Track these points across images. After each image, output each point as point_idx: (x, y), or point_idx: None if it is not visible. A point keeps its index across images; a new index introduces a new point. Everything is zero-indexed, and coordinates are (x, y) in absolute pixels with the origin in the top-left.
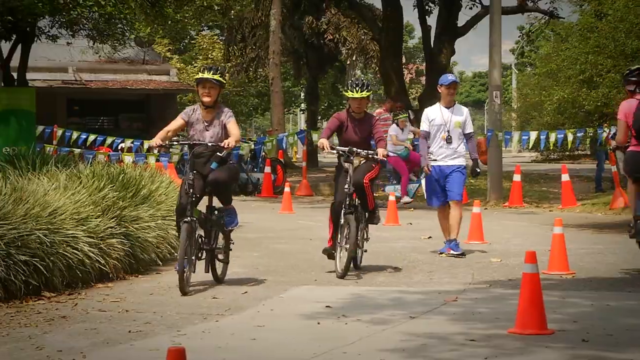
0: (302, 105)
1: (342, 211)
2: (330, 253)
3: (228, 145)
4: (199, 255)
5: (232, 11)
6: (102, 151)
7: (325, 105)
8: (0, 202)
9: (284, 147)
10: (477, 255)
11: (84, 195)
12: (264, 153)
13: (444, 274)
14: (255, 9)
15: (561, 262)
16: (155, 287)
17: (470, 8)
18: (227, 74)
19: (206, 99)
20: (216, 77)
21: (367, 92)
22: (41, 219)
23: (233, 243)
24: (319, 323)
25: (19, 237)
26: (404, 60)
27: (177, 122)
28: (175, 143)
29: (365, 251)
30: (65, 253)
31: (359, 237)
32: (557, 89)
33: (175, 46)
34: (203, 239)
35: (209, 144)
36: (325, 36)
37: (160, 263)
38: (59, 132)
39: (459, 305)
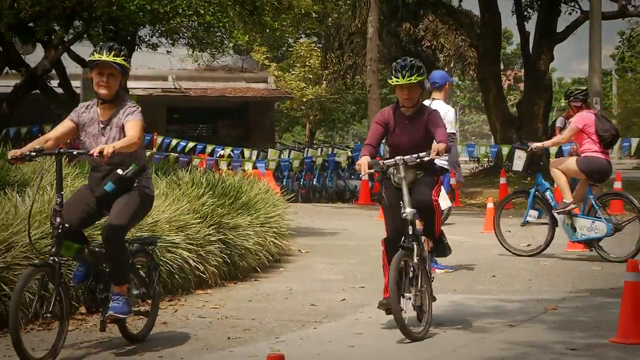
0: None
1: (403, 247)
2: (388, 307)
3: (100, 151)
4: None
5: (330, 19)
6: (198, 157)
7: None
8: None
9: (382, 154)
10: (578, 263)
11: (184, 203)
12: None
13: (544, 282)
14: (353, 16)
15: None
16: (254, 293)
17: (570, 13)
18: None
19: (103, 91)
20: (118, 60)
21: (418, 76)
22: (142, 226)
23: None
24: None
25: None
26: (502, 67)
27: (63, 126)
28: (33, 153)
29: (434, 300)
30: (166, 260)
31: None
32: None
33: (273, 54)
34: (95, 284)
35: (84, 152)
36: (423, 43)
37: (259, 270)
38: (159, 139)
39: (559, 314)
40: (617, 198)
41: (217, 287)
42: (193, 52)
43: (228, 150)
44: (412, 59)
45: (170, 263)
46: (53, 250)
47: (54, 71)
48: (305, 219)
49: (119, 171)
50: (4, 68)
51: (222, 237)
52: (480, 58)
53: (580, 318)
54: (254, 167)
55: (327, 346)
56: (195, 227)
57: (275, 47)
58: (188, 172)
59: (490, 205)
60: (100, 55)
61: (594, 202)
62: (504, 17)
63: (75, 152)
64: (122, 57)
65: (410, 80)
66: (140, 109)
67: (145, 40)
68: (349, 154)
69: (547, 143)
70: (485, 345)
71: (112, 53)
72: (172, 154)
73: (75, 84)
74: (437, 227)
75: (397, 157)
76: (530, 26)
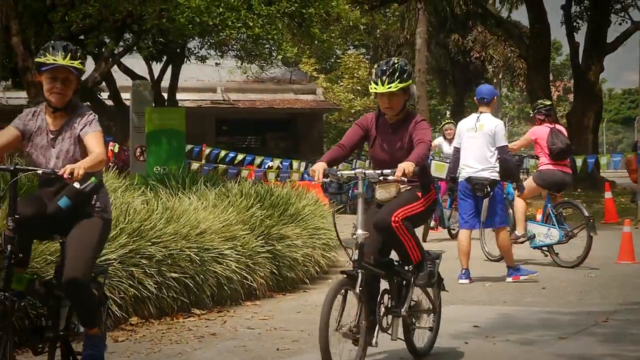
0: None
1: (344, 273)
2: (355, 339)
3: (70, 172)
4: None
5: (378, 30)
6: (246, 168)
7: None
8: (152, 221)
9: (429, 164)
10: (628, 275)
11: (232, 214)
12: None
13: (595, 294)
14: (401, 28)
15: None
16: (303, 305)
17: (620, 24)
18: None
19: (56, 99)
20: (76, 63)
21: (400, 82)
22: (191, 237)
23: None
24: (466, 343)
25: (169, 255)
26: (551, 78)
27: (7, 134)
28: None
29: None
30: (215, 271)
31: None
32: None
33: (321, 65)
34: (42, 320)
35: (50, 171)
36: (472, 54)
37: (307, 281)
38: (207, 150)
39: (610, 326)
40: (570, 207)
41: (266, 298)
42: (242, 64)
43: (277, 162)
44: (397, 60)
45: (219, 275)
46: (1, 284)
47: (104, 83)
48: None
49: (76, 185)
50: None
51: (270, 248)
52: (530, 69)
53: (632, 331)
54: (302, 179)
55: (375, 357)
56: (244, 238)
57: (324, 59)
58: (237, 184)
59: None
60: (54, 58)
61: (550, 211)
62: (553, 28)
63: (40, 171)
64: (79, 60)
65: (390, 88)
66: (97, 116)
67: (195, 52)
68: None
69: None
70: (535, 357)
71: (69, 55)
72: (220, 165)
73: (125, 96)
74: (412, 251)
75: (358, 170)
76: (580, 37)
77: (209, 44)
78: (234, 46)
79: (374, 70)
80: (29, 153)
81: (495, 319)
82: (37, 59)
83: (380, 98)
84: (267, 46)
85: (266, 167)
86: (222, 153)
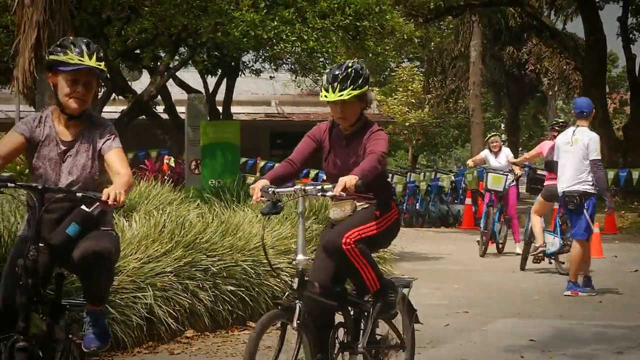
0: (503, 136)
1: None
2: None
3: (115, 198)
4: None
5: (432, 43)
6: (300, 182)
7: (526, 136)
8: (207, 234)
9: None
10: None
11: (287, 228)
12: (464, 184)
13: None
14: (455, 41)
15: None
16: None
17: None
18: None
19: (76, 105)
20: (102, 65)
21: (353, 90)
22: (246, 250)
23: None
24: (522, 357)
25: (225, 268)
26: (607, 90)
27: (12, 140)
28: None
29: None
30: (269, 284)
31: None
32: None
33: (375, 78)
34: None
35: (75, 192)
36: (527, 67)
37: None
38: (262, 163)
39: None
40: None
41: None
42: (296, 77)
43: None
44: (351, 63)
45: (274, 288)
46: (21, 325)
47: (159, 97)
48: (408, 244)
49: (84, 208)
50: (111, 94)
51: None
52: (585, 81)
53: None
54: None
55: None
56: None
57: (378, 72)
58: (291, 197)
59: (596, 230)
60: (80, 58)
61: (556, 221)
62: (609, 40)
63: (80, 195)
64: (102, 62)
65: (342, 95)
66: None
67: (249, 65)
68: (452, 178)
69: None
70: None
71: (94, 55)
72: None
73: (180, 109)
74: (368, 278)
75: (297, 187)
76: (637, 49)
77: (263, 57)
78: (289, 59)
79: (325, 76)
80: (35, 166)
81: (551, 333)
82: (53, 57)
83: (332, 107)
84: (321, 59)
85: (321, 180)
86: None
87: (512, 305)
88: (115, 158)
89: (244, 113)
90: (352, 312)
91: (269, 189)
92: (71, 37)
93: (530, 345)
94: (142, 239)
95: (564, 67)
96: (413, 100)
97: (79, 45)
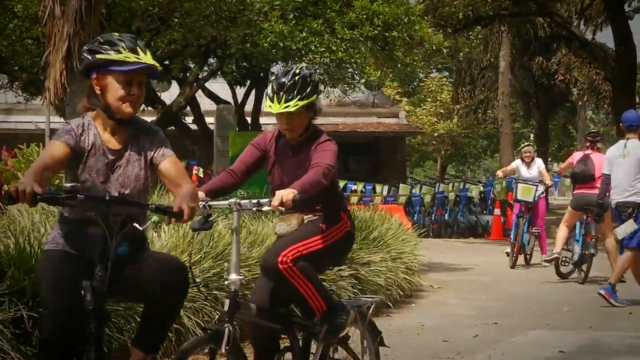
0: None
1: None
2: None
3: (190, 212)
4: None
5: (461, 53)
6: None
7: (556, 146)
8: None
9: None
10: None
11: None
12: (493, 195)
13: None
14: (484, 51)
15: None
16: (386, 329)
17: None
18: None
19: (131, 108)
20: (156, 63)
21: (300, 100)
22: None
23: None
24: None
25: (253, 279)
26: (637, 100)
27: (56, 151)
28: (62, 194)
29: None
30: None
31: None
32: None
33: (404, 89)
34: None
35: (147, 204)
36: (556, 77)
37: (391, 305)
38: None
39: None
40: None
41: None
42: (324, 88)
43: (360, 186)
44: (298, 70)
45: None
46: (92, 355)
47: (188, 108)
48: (437, 255)
49: (137, 225)
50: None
51: (353, 272)
52: (615, 91)
53: None
54: (385, 202)
55: None
56: None
57: (407, 82)
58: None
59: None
60: (137, 56)
61: (580, 230)
62: (639, 50)
63: (154, 207)
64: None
65: (287, 107)
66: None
67: None
68: (481, 188)
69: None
70: None
71: (147, 52)
72: None
73: (209, 120)
74: (312, 300)
75: (232, 200)
76: None
77: None
78: (317, 70)
79: (271, 83)
80: (82, 178)
81: (581, 344)
82: (104, 56)
83: (278, 118)
84: (350, 70)
85: (349, 190)
86: None
87: (542, 316)
88: (172, 167)
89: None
90: (300, 335)
91: (201, 202)
92: (114, 34)
93: (559, 356)
94: (171, 249)
95: (594, 77)
96: (442, 111)
97: (128, 40)
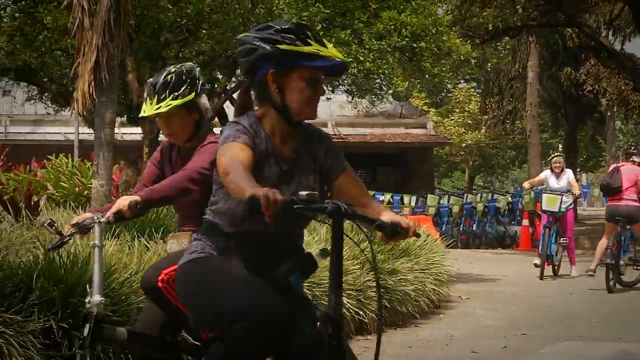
0: None
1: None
2: None
3: (410, 228)
4: None
5: (489, 64)
6: None
7: (584, 157)
8: None
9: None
10: None
11: (345, 249)
12: (521, 206)
13: None
14: (512, 61)
15: None
16: (414, 340)
17: None
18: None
19: (314, 111)
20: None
21: (173, 99)
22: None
23: None
24: None
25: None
26: None
27: (242, 152)
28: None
29: None
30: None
31: None
32: None
33: (431, 99)
34: None
35: (374, 219)
36: (585, 87)
37: (418, 316)
38: None
39: None
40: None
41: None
42: (352, 99)
43: (388, 196)
44: (174, 69)
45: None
46: None
47: (216, 119)
48: (465, 265)
49: (313, 253)
50: None
51: (381, 282)
52: None
53: None
54: (413, 213)
55: None
56: (355, 272)
57: (434, 93)
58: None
59: None
60: (318, 48)
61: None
62: None
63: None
64: None
65: (159, 108)
66: None
67: None
68: (509, 199)
69: None
70: None
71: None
72: None
73: None
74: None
75: (95, 215)
76: None
77: None
78: (345, 81)
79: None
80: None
81: (610, 356)
82: (289, 47)
83: (159, 122)
84: (377, 81)
85: (377, 201)
86: None
87: (571, 327)
88: (355, 181)
89: None
90: None
91: (46, 222)
92: (293, 21)
93: None
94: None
95: (623, 87)
96: (470, 121)
97: (308, 29)
